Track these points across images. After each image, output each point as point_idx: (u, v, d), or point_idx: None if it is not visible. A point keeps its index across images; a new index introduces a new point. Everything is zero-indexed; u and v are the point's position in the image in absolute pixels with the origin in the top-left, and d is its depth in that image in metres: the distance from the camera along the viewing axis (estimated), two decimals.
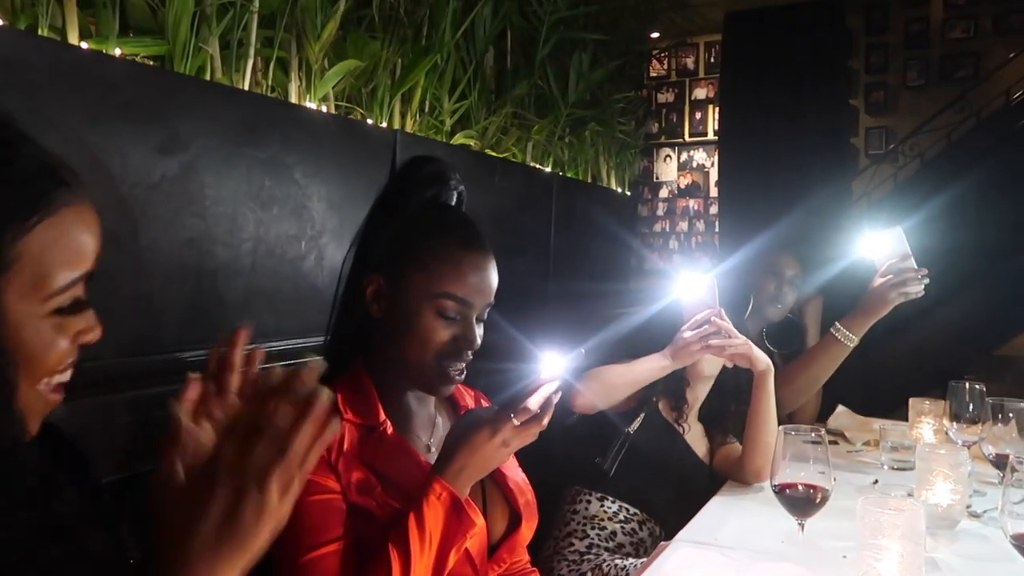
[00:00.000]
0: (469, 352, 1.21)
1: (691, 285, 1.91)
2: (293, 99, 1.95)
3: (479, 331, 1.22)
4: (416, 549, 1.05)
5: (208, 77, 1.72)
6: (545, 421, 1.14)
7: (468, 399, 1.39)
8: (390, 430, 1.18)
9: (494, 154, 2.80)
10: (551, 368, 1.15)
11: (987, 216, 4.13)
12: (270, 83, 1.89)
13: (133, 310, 1.47)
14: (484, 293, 1.21)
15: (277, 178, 1.80)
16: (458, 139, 2.60)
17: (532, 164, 3.07)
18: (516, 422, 1.11)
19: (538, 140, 3.06)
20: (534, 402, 1.13)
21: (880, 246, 2.12)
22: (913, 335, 3.87)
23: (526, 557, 1.39)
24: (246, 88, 1.81)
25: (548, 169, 3.16)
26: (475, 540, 1.19)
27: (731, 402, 2.06)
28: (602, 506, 1.89)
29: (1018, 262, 3.96)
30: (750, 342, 1.85)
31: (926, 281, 2.07)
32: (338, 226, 1.97)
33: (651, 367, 1.86)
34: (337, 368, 1.21)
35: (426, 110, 2.47)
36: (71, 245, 0.71)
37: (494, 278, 1.23)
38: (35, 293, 0.68)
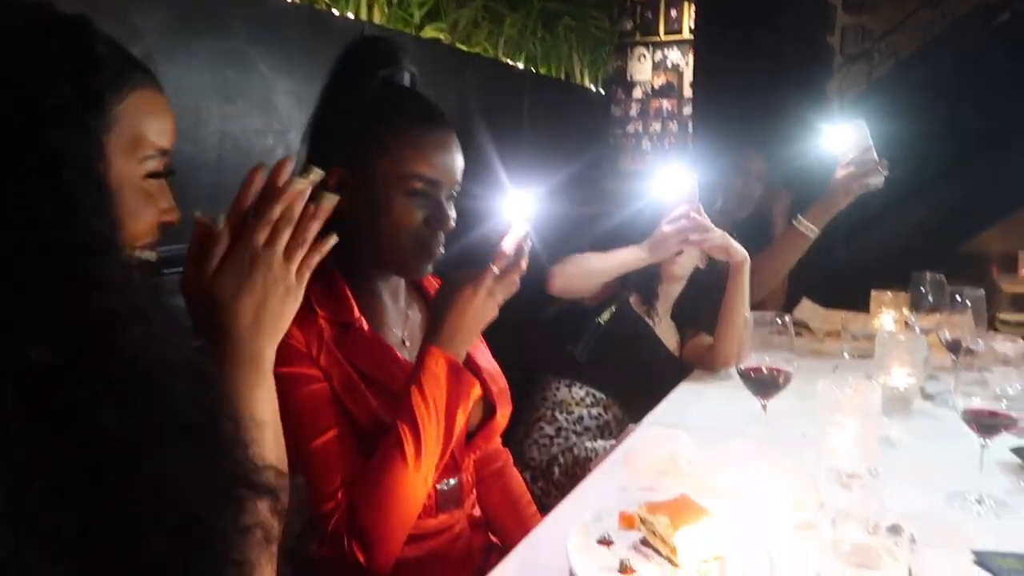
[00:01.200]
0: (442, 233, 1.19)
1: (670, 181, 1.92)
2: None
3: (451, 212, 1.20)
4: (424, 420, 1.08)
5: None
6: (523, 264, 1.17)
7: (437, 286, 1.38)
8: (365, 326, 1.18)
9: (465, 48, 2.73)
10: (517, 214, 1.18)
11: (958, 115, 4.14)
12: None
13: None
14: (451, 171, 1.19)
15: (241, 70, 1.75)
16: (428, 32, 2.52)
17: (504, 60, 3.00)
18: (495, 269, 1.14)
19: (510, 35, 2.98)
20: (508, 245, 1.15)
21: (842, 139, 2.14)
22: (879, 232, 3.94)
23: (499, 443, 1.44)
24: None
25: (520, 65, 3.09)
26: None
27: (703, 300, 2.11)
28: (570, 392, 1.96)
29: (986, 161, 4.00)
30: (727, 234, 1.88)
31: (886, 172, 2.11)
32: (306, 121, 1.93)
33: (628, 257, 1.90)
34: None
35: (394, 1, 2.39)
36: (158, 117, 0.82)
37: (459, 156, 1.21)
38: (133, 153, 0.78)
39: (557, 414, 1.93)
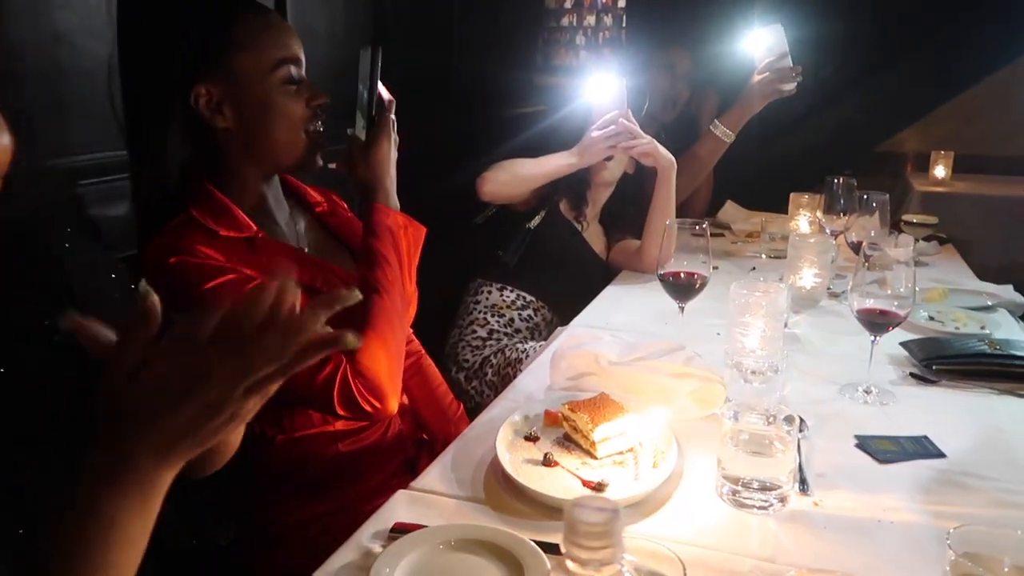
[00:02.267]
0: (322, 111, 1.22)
1: (599, 87, 1.94)
2: None
3: None
4: (394, 263, 1.20)
5: None
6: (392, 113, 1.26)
7: (319, 198, 1.39)
8: (265, 237, 1.19)
9: None
10: (365, 64, 1.24)
11: (883, 14, 4.19)
12: None
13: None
14: (300, 46, 1.21)
15: None
16: None
17: None
18: (392, 116, 1.25)
19: None
20: (384, 93, 1.26)
21: (760, 43, 2.18)
22: (803, 133, 4.03)
23: (414, 340, 1.48)
24: None
25: None
26: None
27: (630, 205, 2.17)
28: (502, 296, 2.03)
29: (904, 62, 4.09)
30: (655, 141, 1.93)
31: (799, 79, 2.17)
32: None
33: (558, 163, 1.94)
34: (183, 193, 1.17)
35: None
36: None
37: (295, 30, 1.23)
38: None
39: (489, 317, 2.00)
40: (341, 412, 1.10)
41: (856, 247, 1.84)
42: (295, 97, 1.18)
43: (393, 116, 1.27)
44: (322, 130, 1.22)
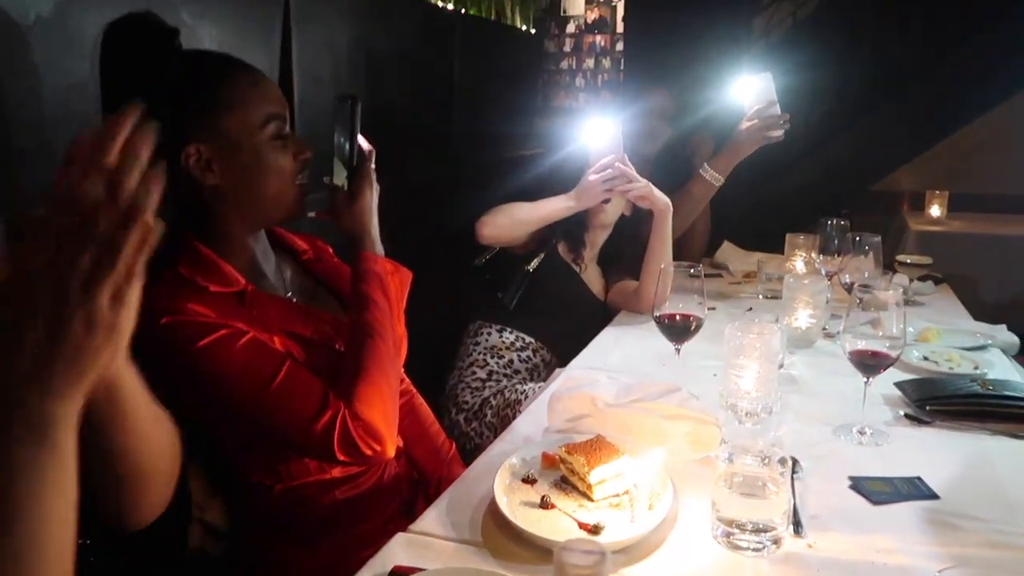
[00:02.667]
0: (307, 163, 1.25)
1: (596, 131, 1.98)
2: None
3: None
4: (384, 307, 1.23)
5: None
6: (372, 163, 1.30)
7: (304, 246, 1.41)
8: (255, 290, 1.19)
9: None
10: (343, 116, 1.27)
11: (879, 55, 4.27)
12: None
13: (25, 160, 1.43)
14: (285, 104, 1.22)
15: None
16: None
17: (434, 1, 2.97)
18: (372, 166, 1.29)
19: None
20: (364, 143, 1.29)
21: (749, 91, 2.23)
22: (800, 172, 4.09)
23: (405, 380, 1.49)
24: None
25: (451, 7, 3.06)
26: None
27: (628, 246, 2.20)
28: (501, 337, 2.05)
29: (900, 101, 4.16)
30: (650, 184, 1.96)
31: (787, 126, 2.21)
32: None
33: (556, 207, 1.98)
34: (170, 251, 1.17)
35: None
36: None
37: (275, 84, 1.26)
38: None
39: (488, 358, 2.02)
40: (342, 458, 1.11)
41: (850, 288, 1.86)
42: (284, 152, 1.20)
43: (373, 165, 1.31)
44: (307, 181, 1.25)
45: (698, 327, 1.50)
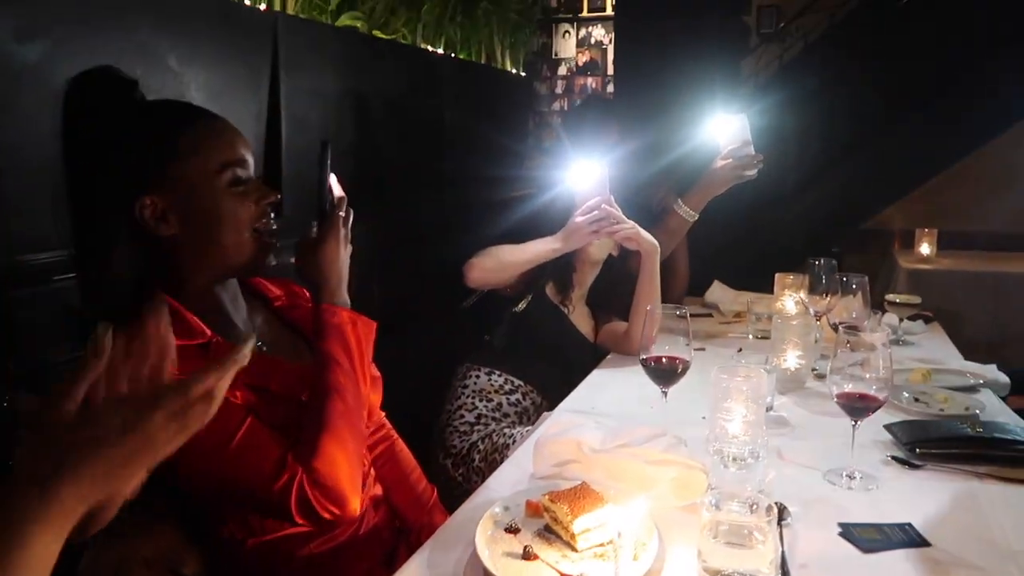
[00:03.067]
0: (273, 212, 1.22)
1: (582, 173, 1.99)
2: None
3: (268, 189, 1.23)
4: (346, 362, 1.18)
5: None
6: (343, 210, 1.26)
7: (278, 291, 1.39)
8: (221, 342, 1.17)
9: (382, 36, 2.73)
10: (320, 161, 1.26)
11: (864, 95, 4.32)
12: None
13: (11, 209, 1.43)
14: (248, 147, 1.21)
15: (150, 66, 1.73)
16: (344, 20, 2.51)
17: (423, 46, 3.00)
18: (342, 213, 1.25)
19: (428, 20, 2.98)
20: (336, 190, 1.26)
21: (725, 130, 2.26)
22: (791, 211, 4.11)
23: (385, 425, 1.48)
24: None
25: (440, 51, 3.10)
26: None
27: (616, 286, 2.20)
28: (489, 380, 2.03)
29: (886, 141, 4.21)
30: (637, 226, 1.97)
31: (761, 166, 2.24)
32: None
33: (543, 248, 1.98)
34: (132, 303, 1.17)
35: None
36: None
37: (241, 133, 1.23)
38: None
39: (477, 402, 2.00)
40: (299, 520, 1.08)
41: (835, 329, 1.86)
42: (242, 198, 1.17)
43: (343, 213, 1.26)
44: (274, 228, 1.22)
45: (684, 370, 1.48)
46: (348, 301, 1.26)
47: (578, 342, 2.14)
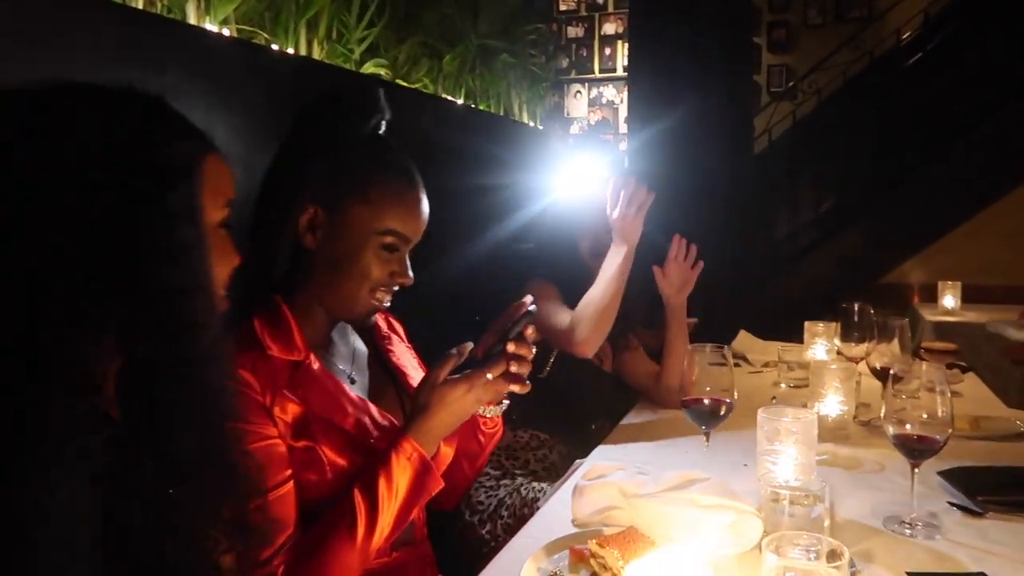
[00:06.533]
0: (397, 288, 1.22)
1: (596, 183, 1.91)
2: (192, 20, 1.85)
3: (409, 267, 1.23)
4: (384, 504, 1.07)
5: None
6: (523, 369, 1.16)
7: (381, 323, 1.38)
8: (316, 364, 1.15)
9: (405, 84, 2.75)
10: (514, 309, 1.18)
11: (879, 150, 4.34)
12: (166, 2, 1.78)
13: None
14: (420, 230, 1.22)
15: (178, 109, 1.72)
16: (368, 68, 2.53)
17: (444, 96, 3.03)
18: (489, 376, 1.13)
19: (449, 71, 3.01)
20: (511, 349, 1.14)
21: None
22: (809, 266, 4.08)
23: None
24: (140, 6, 1.71)
25: (460, 101, 3.12)
26: None
27: (630, 302, 1.97)
28: (515, 437, 1.94)
29: (902, 195, 4.20)
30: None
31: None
32: (246, 154, 1.91)
33: (615, 264, 1.80)
34: (254, 298, 1.16)
35: (333, 37, 2.39)
36: (224, 171, 0.89)
37: (427, 213, 1.23)
38: (214, 203, 0.87)
39: (503, 459, 1.91)
40: None
41: (879, 373, 1.79)
42: (382, 262, 1.18)
43: (491, 376, 1.13)
44: (388, 303, 1.22)
45: (728, 410, 1.42)
46: (434, 450, 1.14)
47: (607, 392, 2.06)
